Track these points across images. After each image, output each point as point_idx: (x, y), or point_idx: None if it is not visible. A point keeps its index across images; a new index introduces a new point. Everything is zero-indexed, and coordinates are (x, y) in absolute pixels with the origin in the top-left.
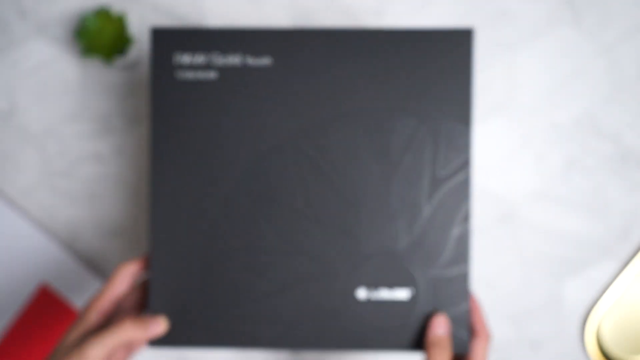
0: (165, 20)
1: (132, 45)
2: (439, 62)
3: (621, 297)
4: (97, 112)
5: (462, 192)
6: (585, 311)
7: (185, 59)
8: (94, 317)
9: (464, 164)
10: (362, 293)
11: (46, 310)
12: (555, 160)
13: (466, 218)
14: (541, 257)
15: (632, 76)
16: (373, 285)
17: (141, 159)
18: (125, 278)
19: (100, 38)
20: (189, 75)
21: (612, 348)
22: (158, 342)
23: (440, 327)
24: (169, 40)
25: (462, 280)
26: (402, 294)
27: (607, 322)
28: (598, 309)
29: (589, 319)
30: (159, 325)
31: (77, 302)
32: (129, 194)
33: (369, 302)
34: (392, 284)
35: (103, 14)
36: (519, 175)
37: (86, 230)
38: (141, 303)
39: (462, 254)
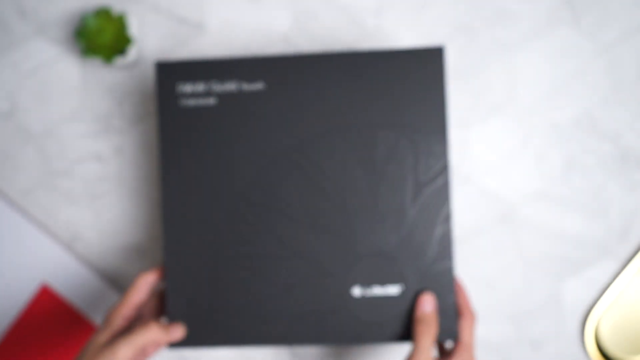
0: (166, 21)
1: (132, 46)
2: (414, 79)
3: (620, 297)
4: (97, 112)
5: (443, 194)
6: (585, 311)
7: (187, 88)
8: (119, 321)
9: (443, 169)
10: (356, 291)
11: (47, 309)
12: (555, 160)
13: (448, 218)
14: (541, 257)
15: (632, 76)
16: (366, 283)
17: (141, 159)
18: (144, 287)
19: (100, 38)
20: (191, 102)
21: (612, 348)
22: (176, 344)
23: (426, 305)
24: (172, 72)
25: (448, 274)
26: (393, 290)
27: (606, 322)
28: (597, 309)
29: (588, 319)
30: (179, 331)
31: (78, 301)
32: (128, 193)
33: (363, 300)
34: (383, 281)
35: (103, 14)
36: (519, 176)
37: (86, 230)
38: (159, 310)
39: (446, 251)
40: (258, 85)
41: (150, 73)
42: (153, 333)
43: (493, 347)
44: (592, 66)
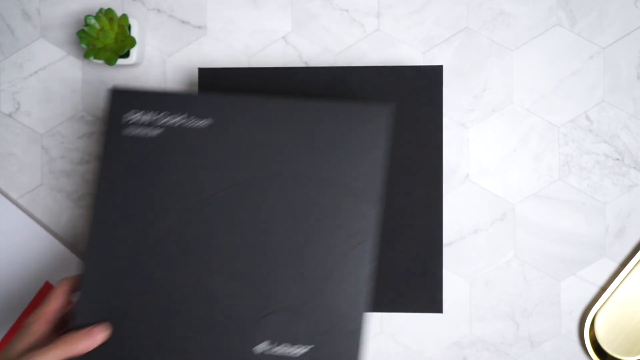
0: (168, 22)
1: (134, 46)
2: (357, 136)
3: (617, 297)
4: (99, 112)
5: (367, 256)
6: (583, 310)
7: (133, 116)
8: (39, 327)
9: (369, 232)
10: (263, 347)
11: None
12: (552, 160)
13: (369, 279)
14: (539, 256)
15: (628, 77)
16: (276, 340)
17: None
18: (60, 294)
19: (102, 40)
20: (135, 131)
21: (608, 347)
22: None
23: None
24: (123, 99)
25: (356, 335)
26: (301, 350)
27: (603, 321)
28: (595, 309)
29: (586, 318)
30: (102, 333)
31: None
32: None
33: (264, 358)
34: (292, 339)
35: (105, 16)
36: (517, 176)
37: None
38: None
39: (357, 311)
40: (205, 122)
41: (151, 73)
42: (71, 342)
43: (492, 346)
44: (589, 67)
